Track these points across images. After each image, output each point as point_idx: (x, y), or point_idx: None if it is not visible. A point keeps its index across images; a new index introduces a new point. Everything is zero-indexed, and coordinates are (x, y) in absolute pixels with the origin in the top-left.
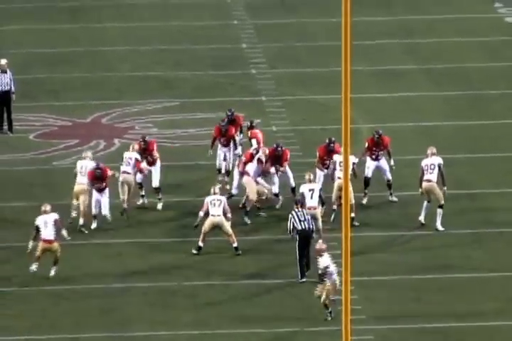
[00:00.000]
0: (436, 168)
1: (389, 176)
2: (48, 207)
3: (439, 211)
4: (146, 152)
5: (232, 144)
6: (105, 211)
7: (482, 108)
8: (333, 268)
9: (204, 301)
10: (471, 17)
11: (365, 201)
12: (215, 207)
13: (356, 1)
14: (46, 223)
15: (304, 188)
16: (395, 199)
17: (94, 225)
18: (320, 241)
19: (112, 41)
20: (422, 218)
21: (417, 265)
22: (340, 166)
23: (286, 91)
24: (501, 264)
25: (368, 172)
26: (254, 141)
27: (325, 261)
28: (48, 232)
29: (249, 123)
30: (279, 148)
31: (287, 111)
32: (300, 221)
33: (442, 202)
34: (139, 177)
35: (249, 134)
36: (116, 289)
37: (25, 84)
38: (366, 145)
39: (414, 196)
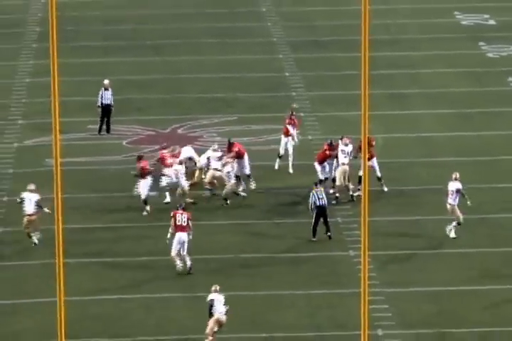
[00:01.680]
0: (455, 193)
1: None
2: (33, 187)
3: (456, 225)
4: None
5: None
6: (184, 253)
7: (467, 123)
8: (222, 308)
9: (254, 270)
10: (460, 53)
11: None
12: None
13: (373, 40)
14: (30, 200)
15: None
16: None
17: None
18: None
19: (185, 70)
20: (449, 233)
21: (417, 242)
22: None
23: (319, 109)
24: (479, 243)
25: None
26: (290, 127)
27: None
28: (29, 208)
29: (291, 112)
30: (333, 144)
31: (320, 125)
32: (319, 198)
33: (460, 220)
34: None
35: (295, 121)
36: None
37: (120, 102)
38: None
39: (413, 190)
